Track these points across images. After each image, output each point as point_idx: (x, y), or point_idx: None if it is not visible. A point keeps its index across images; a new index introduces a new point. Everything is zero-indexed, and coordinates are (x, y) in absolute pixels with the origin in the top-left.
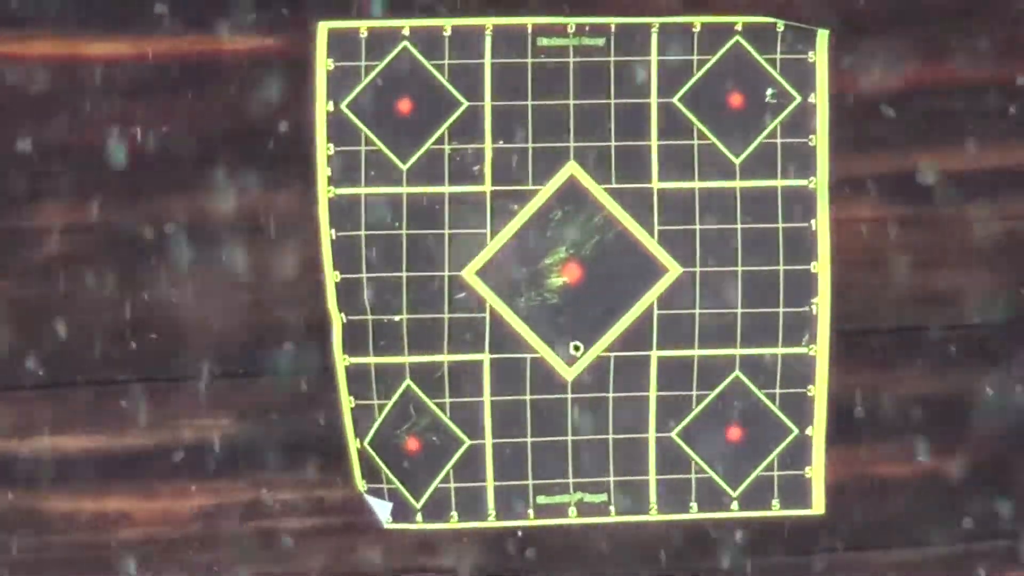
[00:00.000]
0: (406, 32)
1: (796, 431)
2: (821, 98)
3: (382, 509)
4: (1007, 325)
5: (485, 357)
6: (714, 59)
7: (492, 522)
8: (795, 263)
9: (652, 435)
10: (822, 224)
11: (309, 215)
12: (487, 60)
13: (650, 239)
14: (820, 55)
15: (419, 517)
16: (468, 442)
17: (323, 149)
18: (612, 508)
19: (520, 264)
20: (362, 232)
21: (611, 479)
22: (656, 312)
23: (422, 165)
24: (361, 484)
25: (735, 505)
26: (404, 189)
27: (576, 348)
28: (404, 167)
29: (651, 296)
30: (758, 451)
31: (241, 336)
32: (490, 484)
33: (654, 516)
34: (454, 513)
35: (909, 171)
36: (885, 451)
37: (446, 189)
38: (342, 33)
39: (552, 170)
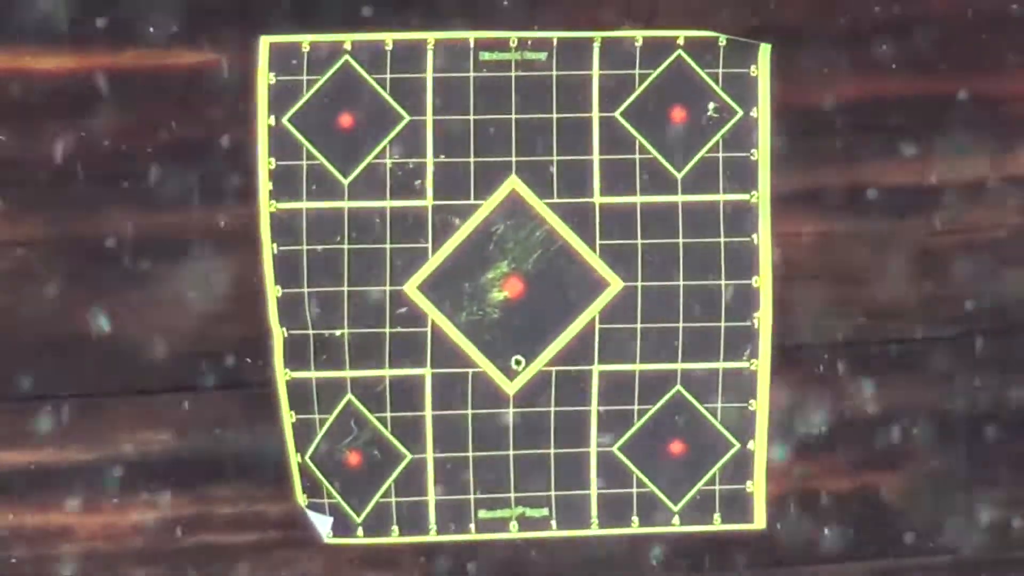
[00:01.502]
0: (348, 46)
1: (738, 445)
2: (763, 112)
3: (323, 524)
4: (949, 340)
5: (427, 372)
6: (656, 73)
7: (433, 536)
8: (737, 278)
9: (593, 449)
10: (764, 238)
11: (250, 229)
12: (429, 74)
13: (592, 253)
14: (762, 69)
15: (360, 532)
16: (409, 456)
17: (264, 163)
18: (553, 523)
19: (462, 279)
20: (303, 246)
21: (552, 493)
22: (598, 326)
23: (364, 179)
24: (302, 499)
25: (676, 520)
26: (345, 203)
27: (518, 362)
28: (346, 181)
29: (593, 310)
30: (699, 466)
31: (182, 350)
32: (431, 498)
33: (595, 531)
34: (395, 527)
35: (851, 185)
36: (826, 466)
37: (387, 203)
38: (284, 47)
39: (494, 184)
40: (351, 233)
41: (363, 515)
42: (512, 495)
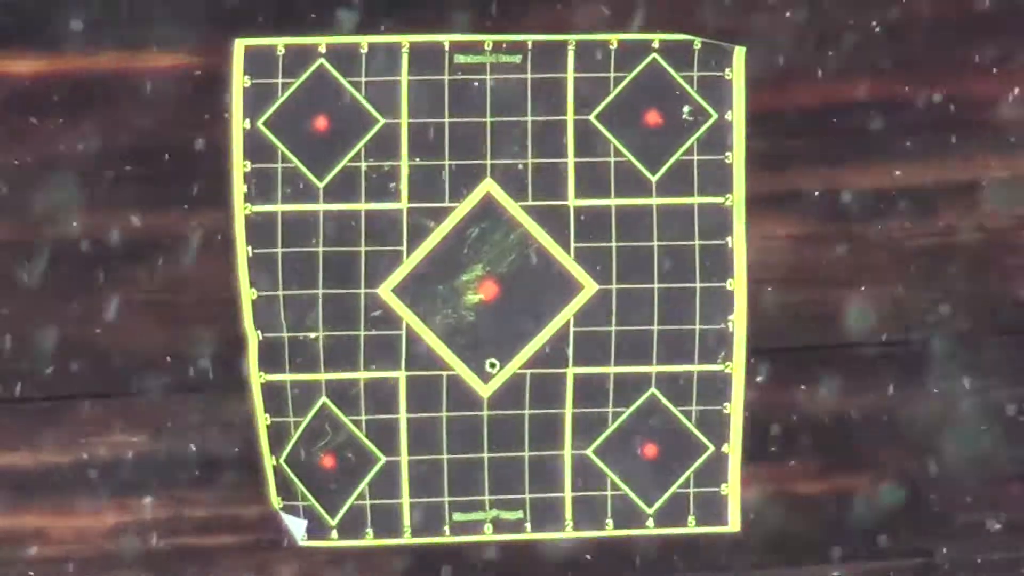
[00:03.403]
0: (323, 49)
1: (712, 448)
2: (737, 115)
3: (297, 526)
4: (923, 342)
5: (401, 374)
6: (631, 76)
7: (408, 539)
8: (711, 280)
9: (568, 452)
10: (738, 241)
11: (225, 232)
12: (404, 77)
13: (566, 256)
14: (737, 72)
15: (334, 534)
16: (384, 459)
17: (239, 166)
18: (528, 525)
19: (436, 281)
20: (278, 249)
21: (527, 496)
22: (572, 329)
23: (339, 182)
24: (276, 501)
25: (651, 522)
26: (320, 206)
27: (492, 365)
28: (320, 184)
29: (567, 313)
30: (674, 468)
31: (157, 353)
32: (406, 501)
33: (570, 533)
34: (369, 530)
35: (825, 189)
36: (801, 468)
37: (362, 206)
38: (259, 50)
39: (469, 187)
40: (326, 236)
41: (337, 517)
42: (487, 498)
